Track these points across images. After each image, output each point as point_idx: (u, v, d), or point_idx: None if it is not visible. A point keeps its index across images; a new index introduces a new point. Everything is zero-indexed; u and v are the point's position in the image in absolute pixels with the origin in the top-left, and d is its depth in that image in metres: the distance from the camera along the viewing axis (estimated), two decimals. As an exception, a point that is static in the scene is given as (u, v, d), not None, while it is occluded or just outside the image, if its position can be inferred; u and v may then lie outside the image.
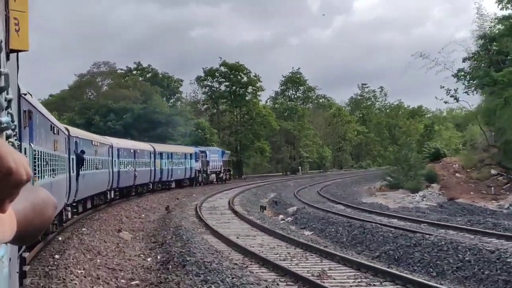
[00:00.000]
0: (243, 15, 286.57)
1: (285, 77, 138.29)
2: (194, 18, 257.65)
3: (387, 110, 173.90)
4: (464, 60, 69.14)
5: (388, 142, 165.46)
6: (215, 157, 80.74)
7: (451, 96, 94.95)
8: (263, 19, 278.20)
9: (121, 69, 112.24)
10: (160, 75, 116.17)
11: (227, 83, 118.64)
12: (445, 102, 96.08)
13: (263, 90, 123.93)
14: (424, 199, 48.56)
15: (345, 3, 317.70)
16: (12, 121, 4.83)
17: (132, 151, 49.57)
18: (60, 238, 24.82)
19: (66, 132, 28.73)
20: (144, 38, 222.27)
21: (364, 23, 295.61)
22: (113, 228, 28.74)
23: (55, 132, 23.01)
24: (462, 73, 68.89)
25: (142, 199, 48.81)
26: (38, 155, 17.76)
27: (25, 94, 15.28)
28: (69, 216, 29.02)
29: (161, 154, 59.28)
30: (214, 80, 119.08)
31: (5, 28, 6.04)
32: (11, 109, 4.95)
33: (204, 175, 75.26)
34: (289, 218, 35.11)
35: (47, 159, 19.86)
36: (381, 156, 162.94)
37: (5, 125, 3.49)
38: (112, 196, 43.54)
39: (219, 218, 35.01)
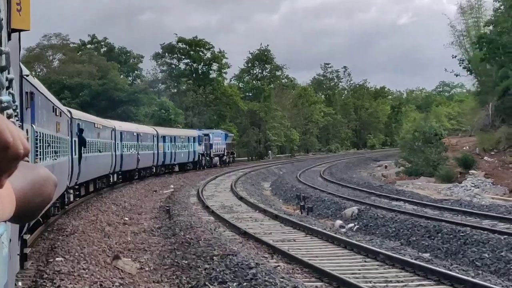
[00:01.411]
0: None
1: (252, 53, 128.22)
2: (143, 2, 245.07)
3: (351, 92, 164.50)
4: (487, 24, 60.03)
5: (356, 124, 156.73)
6: (218, 140, 79.55)
7: (464, 68, 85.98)
8: (210, 4, 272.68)
9: (74, 43, 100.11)
10: (117, 50, 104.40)
11: (187, 61, 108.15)
12: (456, 75, 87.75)
13: (229, 67, 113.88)
14: (478, 189, 38.79)
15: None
16: (13, 101, 5.31)
17: (135, 134, 49.56)
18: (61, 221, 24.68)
19: (69, 114, 28.42)
20: (92, 23, 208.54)
21: (309, 9, 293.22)
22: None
23: (57, 114, 22.64)
24: (484, 40, 59.63)
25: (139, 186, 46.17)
26: (40, 137, 17.39)
27: (27, 75, 15.22)
28: (71, 199, 28.92)
29: (164, 137, 58.99)
30: (173, 57, 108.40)
31: (7, 7, 5.53)
32: (12, 89, 5.13)
33: (208, 158, 74.63)
34: (351, 224, 24.77)
35: (49, 141, 19.56)
36: (348, 138, 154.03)
37: (5, 104, 3.47)
38: (115, 179, 43.80)
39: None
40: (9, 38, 5.44)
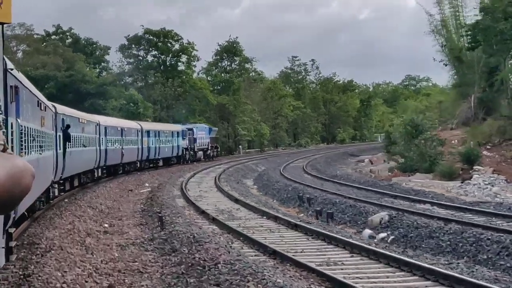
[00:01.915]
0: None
1: (220, 45, 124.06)
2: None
3: (318, 86, 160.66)
4: (482, 10, 56.78)
5: (325, 118, 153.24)
6: (202, 134, 79.86)
7: (441, 61, 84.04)
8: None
9: (38, 34, 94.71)
10: (83, 41, 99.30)
11: (155, 52, 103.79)
12: (445, 65, 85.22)
13: (198, 60, 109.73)
14: (495, 188, 35.23)
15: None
16: None
17: (119, 129, 49.86)
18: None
19: (53, 109, 28.53)
20: (57, 13, 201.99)
21: (271, 4, 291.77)
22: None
23: (42, 109, 22.75)
24: (480, 27, 56.37)
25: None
26: (24, 131, 17.31)
27: (11, 69, 15.00)
28: (56, 193, 28.96)
29: (148, 132, 59.29)
30: (140, 48, 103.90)
31: None
32: None
33: (192, 152, 75.18)
34: (382, 234, 20.86)
35: (34, 135, 19.55)
36: (318, 132, 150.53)
37: None
38: (100, 174, 44.02)
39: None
40: None
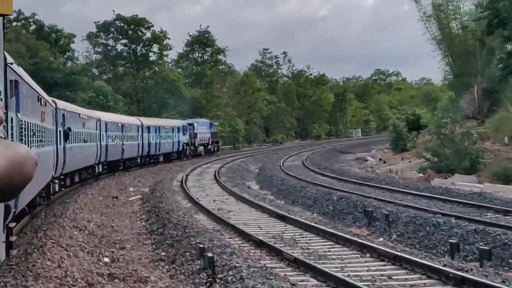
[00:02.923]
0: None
1: (191, 36, 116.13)
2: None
3: (293, 79, 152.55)
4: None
5: (299, 113, 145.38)
6: (203, 129, 79.08)
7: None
8: None
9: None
10: (47, 28, 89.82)
11: (125, 41, 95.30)
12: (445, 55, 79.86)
13: (170, 49, 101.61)
14: None
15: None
16: None
17: (120, 125, 49.74)
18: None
19: (54, 105, 28.43)
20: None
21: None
22: None
23: (42, 104, 22.70)
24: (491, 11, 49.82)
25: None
26: (24, 126, 17.33)
27: (11, 64, 15.07)
28: (57, 189, 29.16)
29: (148, 128, 58.92)
30: (109, 37, 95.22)
31: None
32: None
33: (192, 147, 74.45)
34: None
35: (34, 130, 19.52)
36: (294, 128, 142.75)
37: None
38: (100, 170, 43.61)
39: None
40: None
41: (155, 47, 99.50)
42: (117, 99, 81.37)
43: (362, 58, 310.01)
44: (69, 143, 31.00)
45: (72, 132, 31.76)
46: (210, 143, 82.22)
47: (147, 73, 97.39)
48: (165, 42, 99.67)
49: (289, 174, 43.32)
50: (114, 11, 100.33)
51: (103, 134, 43.48)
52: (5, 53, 12.22)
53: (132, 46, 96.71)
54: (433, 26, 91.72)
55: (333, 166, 54.31)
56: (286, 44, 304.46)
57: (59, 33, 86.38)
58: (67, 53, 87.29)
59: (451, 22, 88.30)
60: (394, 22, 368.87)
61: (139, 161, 56.58)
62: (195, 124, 75.93)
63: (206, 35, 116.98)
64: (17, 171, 1.63)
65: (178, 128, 70.06)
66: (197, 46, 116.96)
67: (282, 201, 31.46)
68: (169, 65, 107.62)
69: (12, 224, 15.20)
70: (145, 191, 36.71)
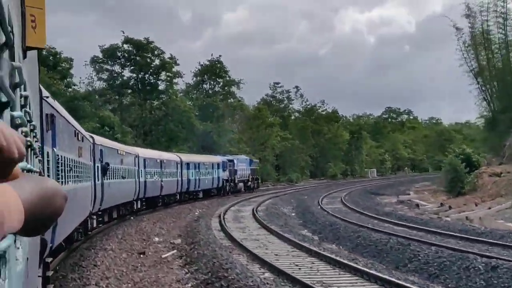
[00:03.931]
0: (110, 24, 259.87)
1: (201, 65, 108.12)
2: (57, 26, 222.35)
3: (305, 114, 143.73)
4: None
5: (314, 151, 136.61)
6: (243, 166, 79.00)
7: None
8: (131, 29, 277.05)
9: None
10: (45, 51, 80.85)
11: (132, 67, 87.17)
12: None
13: (181, 77, 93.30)
14: None
15: (215, 15, 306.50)
16: (30, 120, 5.23)
17: (158, 161, 49.51)
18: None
19: (91, 140, 28.41)
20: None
21: (231, 37, 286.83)
22: None
23: (79, 139, 22.64)
24: None
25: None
26: (61, 160, 17.16)
27: (47, 97, 15.07)
28: (94, 224, 29.20)
29: (188, 164, 59.02)
30: (116, 63, 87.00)
31: (22, 24, 5.48)
32: (29, 108, 5.14)
33: (232, 184, 74.20)
34: None
35: (71, 165, 19.38)
36: (309, 166, 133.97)
37: (18, 120, 3.37)
38: (139, 206, 43.52)
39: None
40: (24, 56, 5.16)
41: (163, 75, 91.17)
42: (125, 132, 73.10)
43: (364, 96, 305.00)
44: (107, 179, 30.65)
45: (110, 167, 31.24)
46: (250, 179, 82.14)
47: (156, 103, 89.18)
48: (174, 69, 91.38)
49: (359, 224, 34.56)
50: (123, 32, 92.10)
51: (141, 170, 43.16)
52: (41, 86, 12.26)
53: (140, 74, 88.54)
54: (472, 56, 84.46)
55: (394, 211, 45.94)
56: (285, 80, 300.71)
57: (58, 57, 77.17)
58: (67, 79, 77.99)
59: (496, 51, 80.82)
60: (396, 62, 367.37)
61: (178, 198, 56.21)
62: (235, 161, 75.47)
63: (218, 64, 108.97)
64: (46, 205, 1.63)
65: (218, 164, 69.23)
66: (207, 76, 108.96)
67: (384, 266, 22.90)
68: (180, 95, 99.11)
69: (49, 259, 15.17)
70: (176, 242, 28.49)
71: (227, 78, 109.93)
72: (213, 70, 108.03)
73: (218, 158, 72.03)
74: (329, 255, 21.18)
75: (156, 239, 30.72)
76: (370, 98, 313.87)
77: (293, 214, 46.47)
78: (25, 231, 1.57)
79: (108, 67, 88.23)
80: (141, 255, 25.16)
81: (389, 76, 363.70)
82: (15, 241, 2.41)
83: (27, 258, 4.00)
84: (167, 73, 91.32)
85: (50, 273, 15.29)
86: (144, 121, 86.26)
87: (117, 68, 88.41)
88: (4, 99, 2.77)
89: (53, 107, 16.19)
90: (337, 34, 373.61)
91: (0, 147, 1.28)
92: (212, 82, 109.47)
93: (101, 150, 30.43)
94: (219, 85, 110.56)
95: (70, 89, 79.66)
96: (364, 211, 44.38)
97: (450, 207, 44.28)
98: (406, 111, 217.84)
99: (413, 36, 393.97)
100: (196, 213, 46.09)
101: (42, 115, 13.75)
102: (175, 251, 25.89)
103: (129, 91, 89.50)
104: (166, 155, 55.14)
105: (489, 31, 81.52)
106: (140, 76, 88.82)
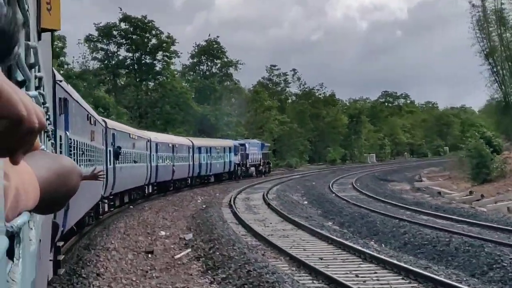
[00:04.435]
0: (103, 8, 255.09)
1: (198, 46, 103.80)
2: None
3: (303, 97, 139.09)
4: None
5: (313, 135, 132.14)
6: (255, 150, 78.22)
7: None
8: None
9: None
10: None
11: (128, 46, 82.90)
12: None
13: (178, 57, 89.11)
14: None
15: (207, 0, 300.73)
16: (44, 102, 5.10)
17: (170, 145, 49.07)
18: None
19: (104, 124, 28.23)
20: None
21: (223, 21, 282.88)
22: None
23: (92, 123, 22.55)
24: None
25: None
26: (73, 144, 17.30)
27: (60, 81, 15.09)
28: (106, 209, 28.79)
29: (199, 148, 58.30)
30: (111, 42, 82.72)
31: (36, 5, 5.19)
32: (43, 90, 5.09)
33: (243, 168, 73.55)
34: None
35: (83, 149, 19.43)
36: (307, 151, 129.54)
37: (33, 100, 2.86)
38: (150, 190, 42.85)
39: None
40: (39, 38, 5.21)
41: (160, 55, 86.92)
42: (121, 113, 68.97)
43: (358, 82, 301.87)
44: (119, 163, 30.39)
45: (122, 152, 30.96)
46: (261, 164, 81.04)
47: (152, 85, 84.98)
48: (171, 49, 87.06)
49: (397, 217, 30.40)
50: (121, 9, 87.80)
51: (153, 155, 42.62)
52: (54, 70, 12.58)
53: (137, 53, 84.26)
54: (484, 36, 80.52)
55: (420, 200, 41.98)
56: (280, 66, 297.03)
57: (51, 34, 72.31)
58: (60, 58, 73.86)
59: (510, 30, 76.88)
60: (388, 48, 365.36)
61: (189, 182, 55.41)
62: (246, 145, 74.85)
63: (215, 45, 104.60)
64: (62, 183, 1.63)
65: (230, 148, 68.72)
66: (205, 57, 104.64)
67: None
68: (177, 75, 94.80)
69: (61, 243, 15.03)
70: (186, 237, 24.50)
71: (225, 59, 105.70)
72: (210, 51, 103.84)
73: (229, 142, 71.41)
74: (395, 261, 17.05)
75: (163, 232, 26.87)
76: (363, 83, 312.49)
77: (305, 202, 42.61)
78: (40, 208, 1.56)
79: (103, 46, 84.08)
80: (149, 255, 21.25)
81: (381, 62, 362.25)
82: (28, 221, 2.35)
83: (40, 240, 3.87)
84: (164, 53, 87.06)
85: (61, 257, 14.94)
86: (140, 102, 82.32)
87: (112, 47, 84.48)
88: (20, 77, 2.70)
89: (66, 91, 16.15)
90: (329, 20, 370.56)
91: (21, 117, 1.21)
92: (209, 63, 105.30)
93: (113, 134, 30.12)
94: (217, 67, 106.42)
95: (63, 69, 75.34)
96: (387, 199, 40.50)
97: (482, 196, 40.22)
98: (403, 95, 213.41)
99: (405, 22, 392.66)
100: (199, 201, 42.45)
101: (55, 99, 13.76)
102: (189, 250, 21.88)
103: (125, 71, 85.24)
104: (178, 139, 54.35)
105: (503, 9, 77.65)
106: (136, 55, 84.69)
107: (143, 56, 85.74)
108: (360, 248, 19.22)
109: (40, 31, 5.58)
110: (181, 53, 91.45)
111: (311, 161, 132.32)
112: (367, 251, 18.60)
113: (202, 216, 31.80)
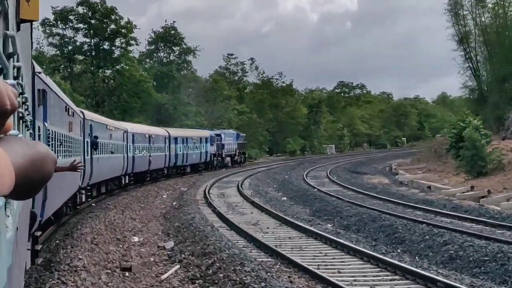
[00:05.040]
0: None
1: (155, 32, 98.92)
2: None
3: (261, 87, 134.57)
4: None
5: (272, 125, 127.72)
6: (230, 140, 79.07)
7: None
8: None
9: None
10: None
11: (86, 31, 77.90)
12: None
13: (137, 44, 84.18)
14: None
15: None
16: (22, 92, 5.10)
17: (147, 136, 49.00)
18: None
19: (81, 115, 28.48)
20: None
21: (176, 13, 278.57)
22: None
23: (70, 114, 22.56)
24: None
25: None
26: (51, 135, 17.24)
27: (39, 73, 15.12)
28: (83, 199, 28.90)
29: (176, 139, 58.40)
30: (68, 26, 77.58)
31: None
32: (21, 80, 5.07)
33: (219, 158, 74.14)
34: None
35: (61, 140, 19.45)
36: (267, 142, 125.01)
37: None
38: (127, 181, 42.76)
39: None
40: (18, 28, 5.02)
41: (119, 42, 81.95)
42: (77, 101, 63.79)
43: (310, 73, 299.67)
44: (96, 153, 30.45)
45: (99, 143, 31.07)
46: (237, 154, 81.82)
47: (109, 72, 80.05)
48: (130, 35, 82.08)
49: (410, 218, 26.00)
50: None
51: (130, 146, 42.67)
52: (33, 62, 12.46)
53: (94, 39, 79.35)
54: (460, 19, 77.46)
55: (415, 196, 37.77)
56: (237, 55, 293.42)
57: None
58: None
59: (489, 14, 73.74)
60: (339, 39, 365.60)
61: (166, 172, 55.57)
62: (222, 135, 75.35)
63: (173, 31, 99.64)
64: (37, 169, 1.62)
65: (206, 138, 68.92)
66: (162, 44, 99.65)
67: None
68: (135, 63, 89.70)
69: (38, 233, 14.92)
70: (166, 246, 20.02)
71: (183, 46, 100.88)
72: (168, 37, 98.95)
73: (205, 133, 71.43)
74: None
75: (135, 238, 22.38)
76: (316, 75, 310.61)
77: (284, 198, 38.38)
78: (15, 194, 1.55)
79: (60, 31, 78.89)
80: (127, 272, 16.67)
81: (332, 53, 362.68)
82: (5, 208, 2.44)
83: (17, 228, 3.89)
84: (123, 39, 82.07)
85: (38, 247, 14.71)
86: (97, 90, 77.36)
87: (69, 32, 79.36)
88: None
89: (45, 82, 16.24)
90: (280, 11, 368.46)
91: None
92: (167, 50, 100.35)
93: (90, 125, 30.06)
94: (175, 54, 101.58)
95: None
96: (380, 195, 36.37)
97: (489, 192, 36.03)
98: (359, 85, 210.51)
99: (355, 14, 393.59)
100: (164, 196, 39.07)
101: (34, 90, 13.90)
102: (177, 266, 17.23)
103: (82, 57, 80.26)
104: (154, 130, 54.25)
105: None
106: (94, 41, 79.74)
107: (101, 42, 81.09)
108: (398, 263, 14.83)
109: (19, 22, 5.29)
110: (140, 42, 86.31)
111: (270, 152, 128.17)
112: (415, 269, 14.14)
113: (178, 217, 27.15)
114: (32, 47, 9.09)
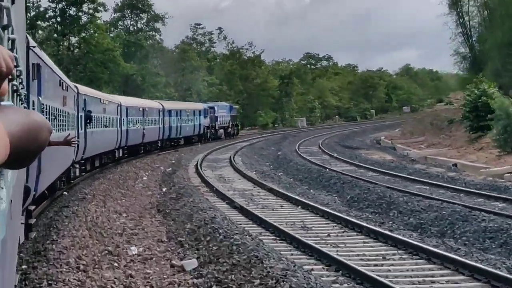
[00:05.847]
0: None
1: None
2: None
3: (230, 58, 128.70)
4: None
5: (243, 97, 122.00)
6: (223, 112, 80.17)
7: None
8: None
9: None
10: None
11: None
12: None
13: (105, 10, 77.77)
14: None
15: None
16: (16, 65, 4.83)
17: (140, 109, 49.43)
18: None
19: (75, 89, 28.53)
20: None
21: None
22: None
23: (64, 88, 22.76)
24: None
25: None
26: (46, 109, 17.27)
27: (33, 47, 15.19)
28: (77, 173, 29.01)
29: (169, 111, 59.10)
30: (29, -11, 71.83)
31: None
32: (16, 53, 4.93)
33: (213, 130, 74.98)
34: None
35: (55, 114, 19.44)
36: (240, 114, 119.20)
37: None
38: (120, 154, 43.17)
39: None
40: (12, 1, 4.71)
41: (85, 7, 75.56)
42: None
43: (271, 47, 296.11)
44: (90, 127, 30.72)
45: (93, 116, 31.47)
46: (230, 126, 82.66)
47: (75, 40, 73.92)
48: (99, 1, 75.70)
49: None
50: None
51: (123, 119, 42.89)
52: (28, 36, 12.81)
53: (60, 4, 73.22)
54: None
55: (472, 181, 31.82)
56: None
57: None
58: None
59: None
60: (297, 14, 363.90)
61: (159, 145, 56.05)
62: (215, 108, 76.13)
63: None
64: (32, 138, 1.64)
65: (200, 111, 69.60)
66: (129, 11, 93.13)
67: None
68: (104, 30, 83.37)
69: (32, 207, 14.66)
70: (187, 266, 13.95)
71: (151, 13, 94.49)
72: (135, 4, 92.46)
73: (199, 105, 72.42)
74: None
75: (134, 250, 15.56)
76: (278, 47, 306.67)
77: (291, 179, 32.80)
78: (9, 163, 1.56)
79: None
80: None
81: (293, 27, 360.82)
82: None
83: (11, 201, 3.94)
84: (91, 5, 75.59)
85: (32, 221, 14.16)
86: (61, 59, 71.01)
87: (31, -4, 73.40)
88: None
89: (39, 57, 16.26)
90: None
91: None
92: (134, 18, 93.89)
93: (84, 100, 30.34)
94: (142, 21, 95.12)
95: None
96: (395, 172, 31.00)
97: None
98: (326, 57, 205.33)
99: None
100: (145, 178, 33.78)
101: (29, 64, 13.89)
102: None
103: (45, 24, 73.83)
104: (148, 103, 54.84)
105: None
106: (59, 6, 73.30)
107: (67, 7, 75.15)
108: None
109: None
110: (108, 8, 79.89)
111: (241, 126, 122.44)
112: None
113: (181, 212, 20.87)
114: (26, 21, 8.57)
